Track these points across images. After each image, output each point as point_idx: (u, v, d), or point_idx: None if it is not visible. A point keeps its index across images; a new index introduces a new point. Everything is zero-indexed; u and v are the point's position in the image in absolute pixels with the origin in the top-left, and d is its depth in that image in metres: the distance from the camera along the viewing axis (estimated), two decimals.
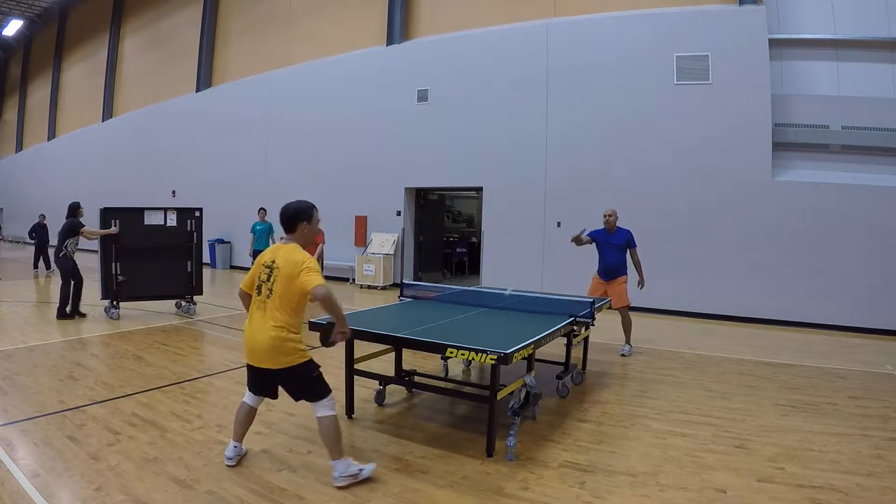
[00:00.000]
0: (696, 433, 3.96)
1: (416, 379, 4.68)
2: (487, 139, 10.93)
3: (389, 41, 12.39)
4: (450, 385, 4.85)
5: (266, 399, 3.27)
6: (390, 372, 4.49)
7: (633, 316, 6.53)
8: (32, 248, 13.95)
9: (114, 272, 7.66)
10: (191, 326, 7.46)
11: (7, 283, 11.45)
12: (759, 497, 3.01)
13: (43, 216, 14.30)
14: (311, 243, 3.29)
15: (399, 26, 12.25)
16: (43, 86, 25.47)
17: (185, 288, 8.30)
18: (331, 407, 3.07)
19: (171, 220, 8.02)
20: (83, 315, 7.71)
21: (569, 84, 10.14)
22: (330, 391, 3.11)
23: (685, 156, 9.18)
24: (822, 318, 8.30)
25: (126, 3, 20.41)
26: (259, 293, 3.09)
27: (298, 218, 3.15)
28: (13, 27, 24.24)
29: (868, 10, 8.65)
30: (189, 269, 8.24)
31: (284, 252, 3.08)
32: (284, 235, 3.23)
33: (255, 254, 11.25)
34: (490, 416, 3.46)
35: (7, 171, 28.17)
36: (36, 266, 13.61)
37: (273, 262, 3.07)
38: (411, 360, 5.38)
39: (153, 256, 7.86)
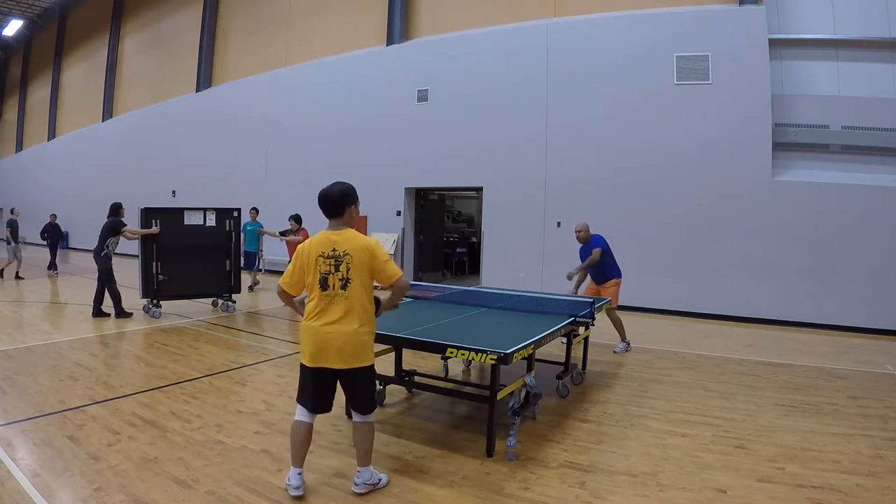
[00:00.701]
0: (696, 433, 3.96)
1: (416, 379, 4.67)
2: (487, 139, 10.93)
3: (389, 41, 12.38)
4: (450, 385, 4.85)
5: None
6: (390, 372, 4.48)
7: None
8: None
9: (154, 271, 7.82)
10: (191, 326, 7.46)
11: (12, 283, 11.44)
12: (759, 497, 3.01)
13: (54, 216, 14.16)
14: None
15: (399, 26, 12.25)
16: (43, 86, 25.47)
17: (224, 287, 8.45)
18: (373, 413, 3.01)
19: (211, 220, 8.22)
20: (107, 315, 7.76)
21: (569, 84, 10.14)
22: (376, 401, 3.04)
23: (685, 156, 9.18)
24: (822, 318, 8.30)
25: (126, 3, 20.41)
26: (325, 287, 2.83)
27: (347, 200, 2.91)
28: (13, 27, 24.24)
29: (868, 10, 8.65)
30: (227, 268, 8.39)
31: (345, 238, 2.87)
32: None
33: (247, 255, 10.99)
34: (490, 416, 3.46)
35: (7, 171, 28.16)
36: (54, 267, 13.34)
37: (334, 250, 2.84)
38: (411, 360, 5.38)
39: (192, 256, 8.03)
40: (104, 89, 20.78)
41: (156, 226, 7.77)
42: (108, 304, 7.85)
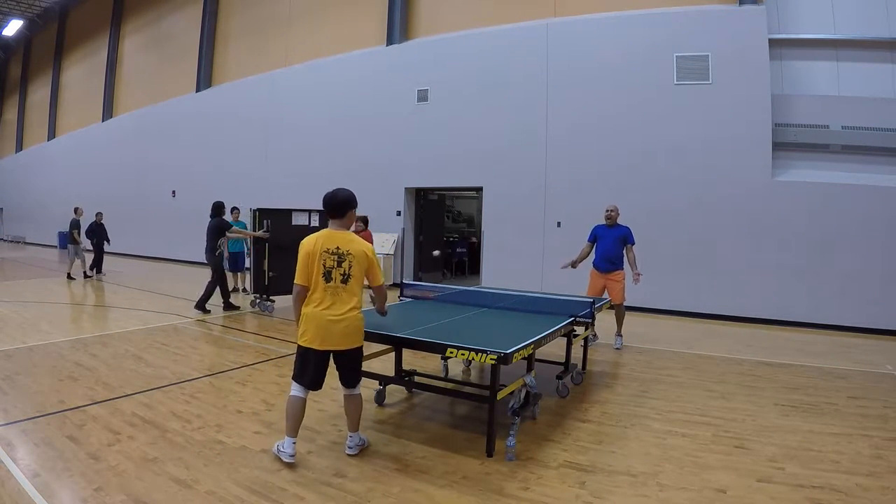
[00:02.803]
0: (696, 433, 3.96)
1: (416, 379, 4.67)
2: (487, 139, 10.93)
3: (389, 41, 12.39)
4: (450, 385, 4.85)
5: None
6: (390, 372, 4.48)
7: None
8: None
9: (265, 268, 8.33)
10: (191, 326, 7.46)
11: (63, 281, 11.46)
12: (759, 497, 3.01)
13: (100, 214, 12.98)
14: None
15: (399, 26, 12.25)
16: (43, 86, 25.47)
17: None
18: (359, 386, 3.45)
19: (315, 221, 8.68)
20: (208, 312, 8.21)
21: (569, 84, 10.14)
22: None
23: (685, 156, 9.18)
24: (822, 318, 8.29)
25: (126, 3, 20.41)
26: (329, 279, 3.23)
27: (349, 205, 3.36)
28: (13, 27, 24.22)
29: (868, 10, 8.65)
30: None
31: (348, 239, 3.30)
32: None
33: (232, 255, 10.61)
34: (490, 416, 3.46)
35: (7, 171, 28.17)
36: (99, 269, 12.93)
37: (338, 248, 3.25)
38: (411, 360, 5.38)
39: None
40: (104, 89, 20.78)
41: (267, 226, 8.21)
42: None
